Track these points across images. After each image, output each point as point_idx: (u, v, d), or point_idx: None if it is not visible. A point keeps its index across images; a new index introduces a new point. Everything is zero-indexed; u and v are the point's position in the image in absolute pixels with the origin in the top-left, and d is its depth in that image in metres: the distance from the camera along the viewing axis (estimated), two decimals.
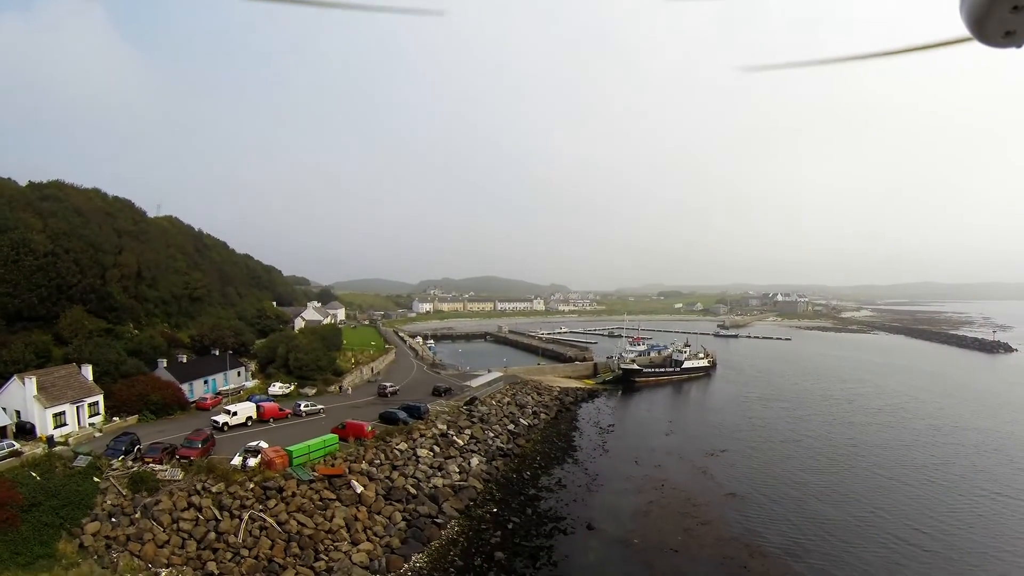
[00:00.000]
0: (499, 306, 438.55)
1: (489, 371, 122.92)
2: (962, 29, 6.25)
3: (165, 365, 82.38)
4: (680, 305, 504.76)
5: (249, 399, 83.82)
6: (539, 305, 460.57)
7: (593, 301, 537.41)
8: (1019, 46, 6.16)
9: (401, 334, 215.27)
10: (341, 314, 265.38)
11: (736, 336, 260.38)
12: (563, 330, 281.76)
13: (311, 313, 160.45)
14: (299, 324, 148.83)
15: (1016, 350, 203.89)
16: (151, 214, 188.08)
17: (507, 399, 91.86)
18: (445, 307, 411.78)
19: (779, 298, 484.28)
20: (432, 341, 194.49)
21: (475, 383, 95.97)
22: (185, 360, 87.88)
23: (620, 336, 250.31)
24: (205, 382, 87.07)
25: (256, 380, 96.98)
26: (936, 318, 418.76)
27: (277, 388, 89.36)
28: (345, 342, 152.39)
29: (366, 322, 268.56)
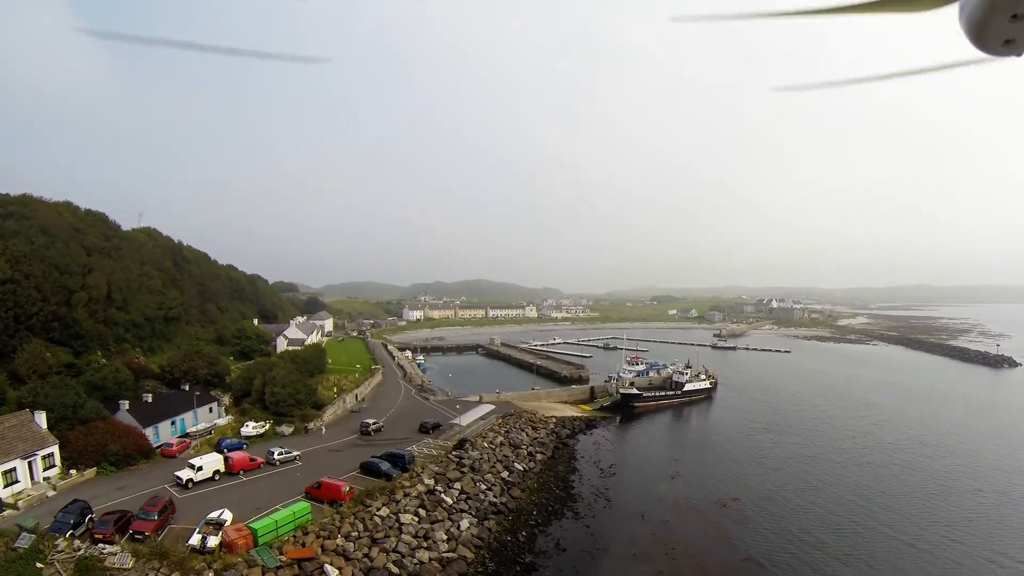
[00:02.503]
0: (491, 313, 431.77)
1: (480, 399, 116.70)
2: (970, 51, 6.30)
3: (127, 407, 75.40)
4: (675, 311, 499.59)
5: (219, 443, 77.44)
6: (532, 312, 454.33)
7: (586, 308, 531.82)
8: (1019, 55, 6.17)
9: (390, 347, 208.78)
10: (328, 325, 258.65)
11: (734, 348, 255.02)
12: (557, 340, 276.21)
13: (294, 331, 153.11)
14: (281, 344, 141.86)
15: (1020, 364, 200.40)
16: (132, 225, 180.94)
17: (500, 438, 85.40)
18: (436, 314, 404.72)
19: (774, 304, 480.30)
20: (422, 357, 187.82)
21: (465, 419, 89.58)
22: (151, 399, 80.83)
23: (616, 349, 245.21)
24: (172, 423, 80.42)
25: (230, 416, 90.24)
26: (932, 325, 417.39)
27: (251, 428, 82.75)
28: (330, 361, 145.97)
29: (354, 333, 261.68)
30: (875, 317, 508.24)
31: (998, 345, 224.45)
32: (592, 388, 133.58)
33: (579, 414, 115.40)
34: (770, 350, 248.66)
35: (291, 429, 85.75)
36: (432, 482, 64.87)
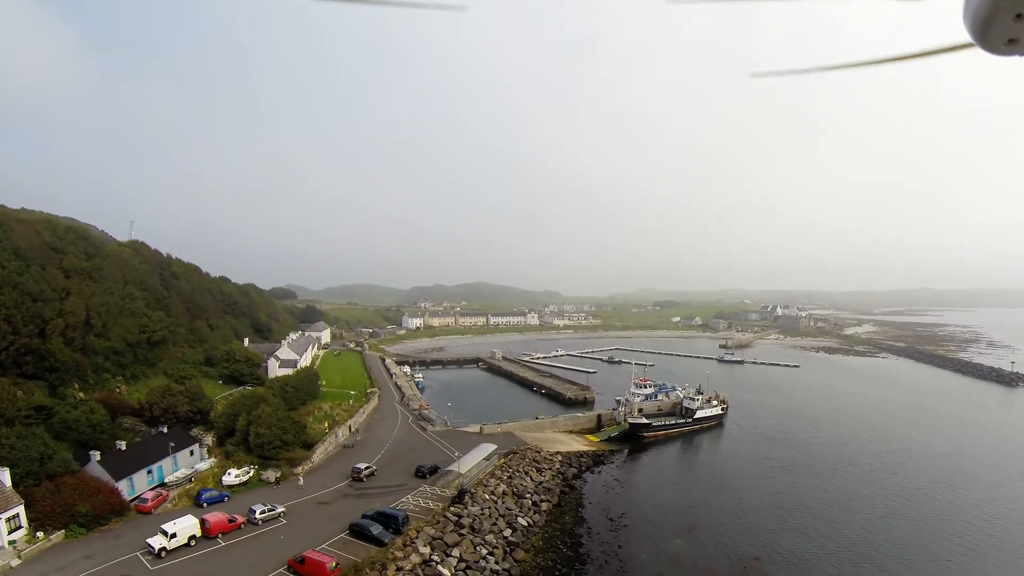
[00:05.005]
0: (492, 320, 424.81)
1: (481, 430, 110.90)
2: (963, 35, 6.40)
3: (98, 459, 69.36)
4: (678, 319, 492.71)
5: (198, 496, 71.62)
6: (533, 319, 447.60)
7: (588, 314, 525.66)
8: (1022, 54, 6.14)
9: (388, 362, 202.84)
10: (326, 336, 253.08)
11: (742, 362, 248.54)
12: (559, 352, 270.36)
13: (286, 351, 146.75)
14: (272, 366, 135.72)
15: None
16: (124, 233, 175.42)
17: (502, 486, 79.23)
18: (436, 322, 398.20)
19: (779, 312, 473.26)
20: (420, 375, 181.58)
21: (465, 463, 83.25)
22: (124, 447, 74.70)
23: (620, 363, 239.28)
24: (148, 472, 74.31)
25: (213, 459, 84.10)
26: (938, 334, 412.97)
27: (233, 477, 76.72)
28: (324, 384, 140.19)
29: (352, 345, 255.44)
30: (880, 324, 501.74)
31: (1012, 363, 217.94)
32: (599, 416, 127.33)
33: (586, 447, 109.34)
34: (779, 364, 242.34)
35: (277, 474, 79.67)
36: (428, 550, 58.76)
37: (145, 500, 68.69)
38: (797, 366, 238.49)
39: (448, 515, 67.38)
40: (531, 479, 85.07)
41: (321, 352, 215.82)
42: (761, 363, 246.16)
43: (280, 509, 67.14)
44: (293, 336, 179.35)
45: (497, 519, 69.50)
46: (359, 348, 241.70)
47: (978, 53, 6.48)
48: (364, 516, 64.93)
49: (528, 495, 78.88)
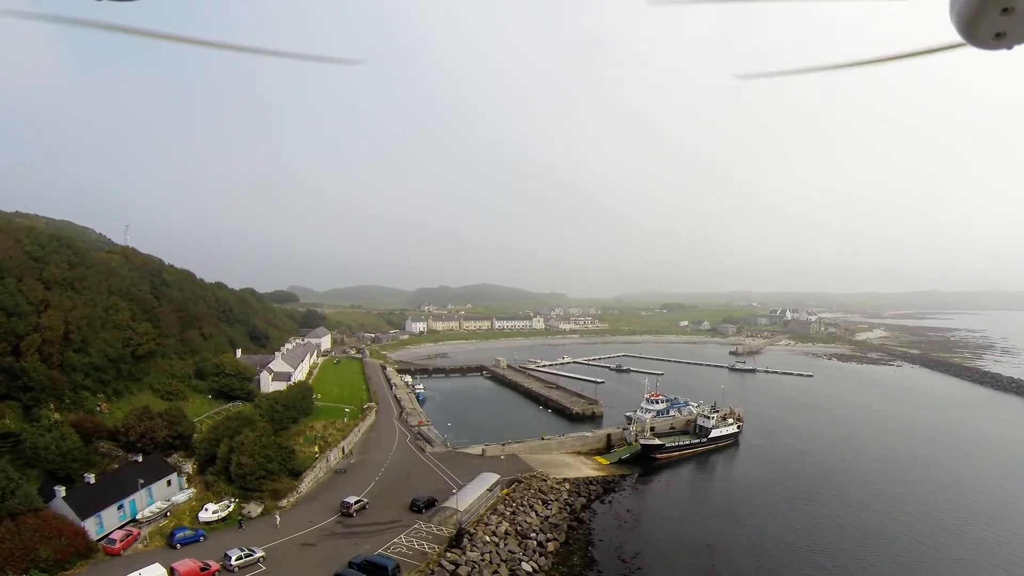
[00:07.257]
0: (496, 324, 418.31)
1: (483, 452, 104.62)
2: (950, 34, 6.22)
3: (63, 494, 63.34)
4: (686, 323, 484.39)
5: (171, 535, 65.44)
6: (539, 323, 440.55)
7: (594, 318, 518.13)
8: (1010, 47, 6.07)
9: (388, 370, 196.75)
10: (326, 342, 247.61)
11: (754, 371, 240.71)
12: (565, 360, 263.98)
13: (280, 364, 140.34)
14: (265, 379, 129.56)
15: None
16: (121, 236, 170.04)
17: (504, 524, 72.77)
18: (440, 326, 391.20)
19: (788, 316, 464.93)
20: (421, 386, 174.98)
21: (463, 498, 76.54)
22: (93, 479, 68.62)
23: (628, 371, 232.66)
24: (120, 507, 68.27)
25: (192, 489, 78.05)
26: (950, 340, 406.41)
27: (211, 512, 70.61)
28: (319, 397, 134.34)
29: (353, 351, 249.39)
30: (891, 329, 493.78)
31: None
32: (608, 436, 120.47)
33: (594, 472, 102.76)
34: (791, 373, 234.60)
35: (260, 509, 73.50)
36: None
37: (113, 541, 62.65)
38: (811, 375, 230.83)
39: (444, 563, 60.97)
40: (536, 513, 78.56)
41: (320, 360, 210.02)
42: (773, 372, 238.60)
43: (259, 554, 60.94)
44: (289, 345, 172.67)
45: (499, 566, 63.02)
46: (360, 355, 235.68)
47: (973, 52, 6.13)
48: (351, 564, 58.72)
49: (533, 534, 72.36)
